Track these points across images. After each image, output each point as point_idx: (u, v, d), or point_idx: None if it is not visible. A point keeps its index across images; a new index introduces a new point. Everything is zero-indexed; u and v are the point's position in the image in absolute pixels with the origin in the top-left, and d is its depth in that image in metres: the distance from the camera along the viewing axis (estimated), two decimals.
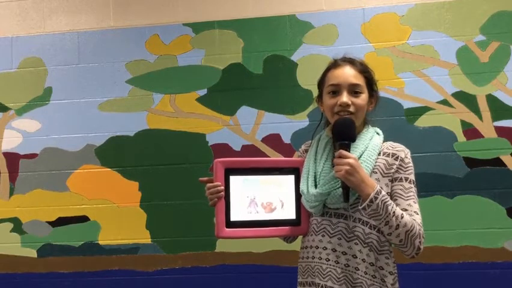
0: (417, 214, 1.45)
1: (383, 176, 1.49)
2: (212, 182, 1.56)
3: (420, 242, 1.43)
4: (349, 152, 1.43)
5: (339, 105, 1.50)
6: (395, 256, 1.54)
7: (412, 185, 1.50)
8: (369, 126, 1.60)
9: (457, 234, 2.66)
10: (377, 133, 1.58)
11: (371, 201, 1.36)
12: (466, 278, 2.64)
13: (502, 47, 2.70)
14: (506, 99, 2.69)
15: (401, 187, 1.48)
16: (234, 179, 1.56)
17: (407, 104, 2.74)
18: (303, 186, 1.54)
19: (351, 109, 1.50)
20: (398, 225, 1.38)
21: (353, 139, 1.46)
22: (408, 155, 1.53)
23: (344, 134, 1.45)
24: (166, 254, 2.84)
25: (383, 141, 1.57)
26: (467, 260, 2.65)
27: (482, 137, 2.69)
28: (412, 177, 1.51)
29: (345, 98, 1.50)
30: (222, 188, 1.54)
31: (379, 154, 1.52)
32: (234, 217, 1.56)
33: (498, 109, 2.68)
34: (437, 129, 2.71)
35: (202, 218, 2.77)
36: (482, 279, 2.63)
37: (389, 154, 1.52)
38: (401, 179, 1.49)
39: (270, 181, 1.59)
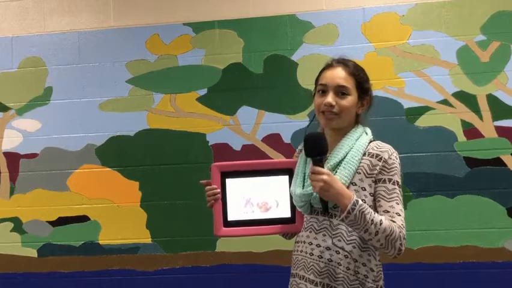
0: (399, 215, 1.47)
1: (367, 177, 1.51)
2: (210, 185, 1.65)
3: (401, 243, 1.45)
4: (323, 165, 1.44)
5: (324, 104, 1.54)
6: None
7: (396, 186, 1.50)
8: (359, 126, 1.60)
9: (457, 234, 2.67)
10: (366, 133, 1.59)
11: (349, 212, 1.39)
12: (466, 278, 2.64)
13: (503, 46, 2.70)
14: (507, 99, 2.68)
15: (384, 188, 1.49)
16: (230, 182, 1.65)
17: (407, 104, 2.74)
18: (292, 187, 1.60)
19: (336, 109, 1.53)
20: (377, 231, 1.41)
21: (325, 152, 1.45)
22: (393, 156, 1.52)
23: (315, 149, 1.45)
24: (166, 253, 2.84)
25: (372, 141, 1.57)
26: (467, 260, 2.65)
27: (483, 136, 2.69)
28: (396, 178, 1.51)
29: (330, 98, 1.53)
30: (218, 190, 1.63)
31: (364, 154, 1.53)
32: (231, 217, 1.65)
33: (498, 109, 2.68)
34: (438, 129, 2.71)
35: (202, 218, 2.77)
36: (482, 279, 2.63)
37: (373, 155, 1.52)
38: (384, 180, 1.50)
39: (264, 182, 1.65)
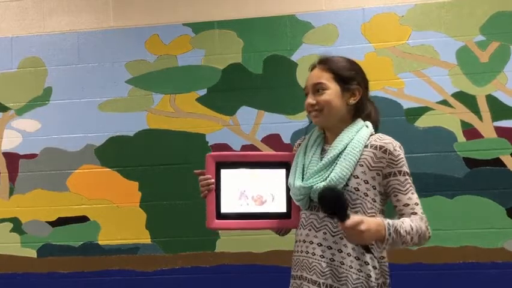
0: (417, 205, 1.49)
1: (370, 170, 1.49)
2: (204, 175, 1.63)
3: (429, 232, 1.48)
4: (349, 216, 1.32)
5: (306, 106, 1.57)
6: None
7: (407, 177, 1.50)
8: (359, 120, 1.58)
9: (457, 234, 2.67)
10: (366, 126, 1.58)
11: (387, 239, 1.37)
12: (466, 278, 2.64)
13: (502, 47, 2.70)
14: (506, 100, 2.69)
15: (398, 182, 1.49)
16: (224, 172, 1.61)
17: (407, 104, 2.74)
18: (290, 179, 1.57)
19: (318, 107, 1.54)
20: (412, 237, 1.42)
21: (347, 205, 1.35)
22: (397, 147, 1.51)
23: (336, 206, 1.32)
24: (166, 254, 2.84)
25: (373, 134, 1.56)
26: (467, 260, 2.65)
27: (482, 137, 2.69)
28: (405, 168, 1.51)
29: (309, 99, 1.57)
30: (212, 181, 1.61)
31: (366, 146, 1.52)
32: (224, 209, 1.62)
33: (498, 109, 2.68)
34: (437, 130, 2.71)
35: (202, 218, 2.74)
36: (482, 279, 2.63)
37: (376, 147, 1.51)
38: (395, 173, 1.49)
39: (261, 175, 1.62)
